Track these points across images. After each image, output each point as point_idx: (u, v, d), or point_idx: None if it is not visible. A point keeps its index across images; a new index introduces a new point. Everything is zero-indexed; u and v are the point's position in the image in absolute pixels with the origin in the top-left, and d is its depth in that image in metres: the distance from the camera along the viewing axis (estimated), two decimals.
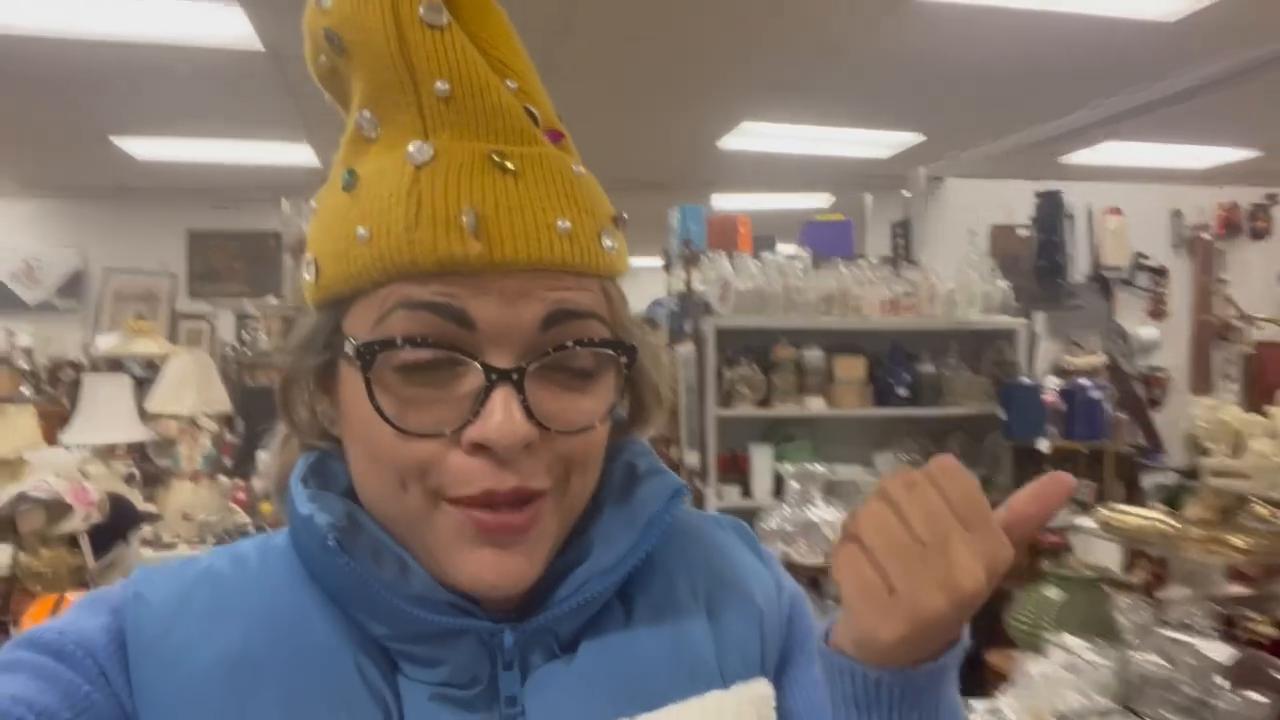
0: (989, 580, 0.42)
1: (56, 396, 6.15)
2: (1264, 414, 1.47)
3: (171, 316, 7.13)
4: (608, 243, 0.52)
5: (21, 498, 1.97)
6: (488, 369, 0.48)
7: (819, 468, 3.08)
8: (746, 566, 0.60)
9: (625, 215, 0.55)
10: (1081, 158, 5.95)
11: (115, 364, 5.16)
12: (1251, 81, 2.37)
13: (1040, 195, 2.95)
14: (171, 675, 0.49)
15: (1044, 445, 2.86)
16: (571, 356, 0.51)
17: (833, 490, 3.13)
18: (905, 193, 3.93)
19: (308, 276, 0.53)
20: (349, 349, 0.50)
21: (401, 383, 0.49)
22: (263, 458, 3.96)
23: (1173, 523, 1.38)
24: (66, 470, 2.36)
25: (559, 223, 0.50)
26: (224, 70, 4.26)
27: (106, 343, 5.65)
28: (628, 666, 0.53)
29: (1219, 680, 1.09)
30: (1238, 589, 1.47)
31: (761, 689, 0.55)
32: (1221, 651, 1.11)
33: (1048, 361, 3.54)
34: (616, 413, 0.57)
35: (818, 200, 7.23)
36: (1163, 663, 1.17)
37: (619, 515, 0.56)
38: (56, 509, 1.98)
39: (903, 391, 3.19)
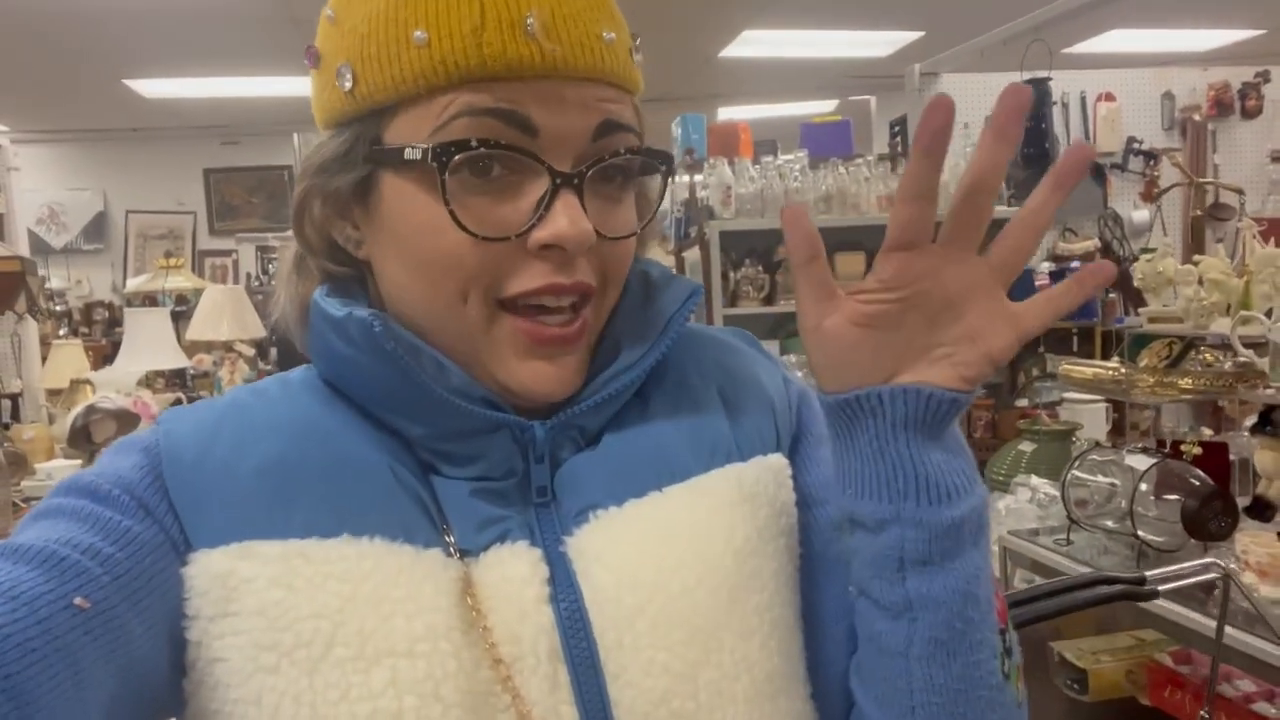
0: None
1: (91, 335, 6.42)
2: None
3: (194, 253, 7.31)
4: (637, 57, 0.54)
5: (92, 409, 2.19)
6: (553, 172, 0.50)
7: None
8: (753, 360, 0.64)
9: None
10: (1086, 47, 5.93)
11: (149, 300, 5.38)
12: None
13: (1028, 83, 3.03)
14: (214, 491, 0.50)
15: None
16: (620, 165, 0.52)
17: None
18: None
19: (343, 85, 0.51)
20: (413, 155, 0.49)
21: (462, 189, 0.49)
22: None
23: (1124, 371, 1.54)
24: (126, 387, 2.58)
25: (605, 34, 0.51)
26: (229, 5, 4.33)
27: (138, 281, 5.87)
28: (650, 448, 0.56)
29: (1144, 488, 1.27)
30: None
31: (777, 460, 0.58)
32: (1143, 463, 1.28)
33: (1044, 248, 3.66)
34: None
35: (824, 106, 7.24)
36: (1100, 480, 1.36)
37: (640, 317, 0.58)
38: (125, 419, 2.19)
39: None
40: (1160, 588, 0.93)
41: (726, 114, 6.97)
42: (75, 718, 0.42)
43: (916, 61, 4.21)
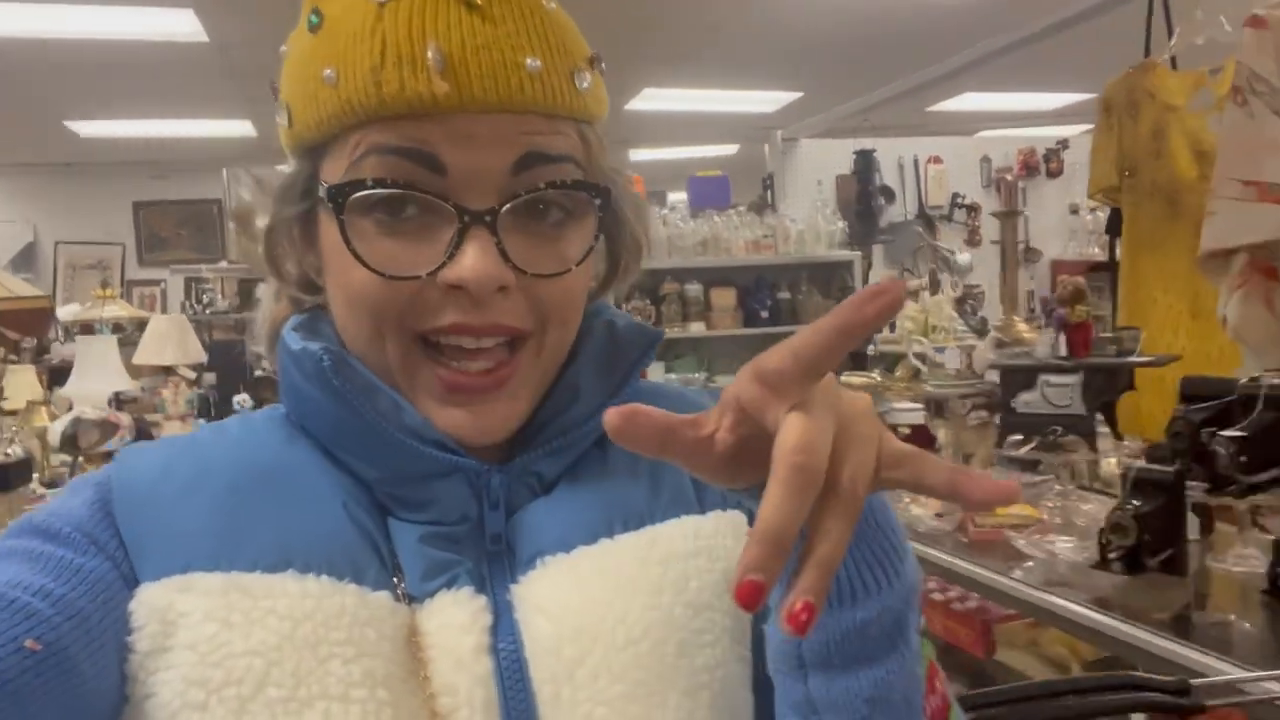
0: None
1: (19, 362, 6.63)
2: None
3: (123, 283, 7.54)
4: (582, 83, 0.51)
5: (78, 420, 2.63)
6: (460, 210, 0.48)
7: (699, 376, 3.88)
8: None
9: (601, 56, 0.54)
10: (949, 105, 6.75)
11: (86, 328, 5.69)
12: (1064, 33, 3.03)
13: (857, 153, 3.73)
14: (162, 524, 0.50)
15: (871, 349, 3.67)
16: (545, 199, 0.50)
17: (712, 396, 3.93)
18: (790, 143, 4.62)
19: (281, 123, 0.53)
20: (321, 193, 0.50)
21: (376, 230, 0.49)
22: (235, 400, 4.58)
23: (881, 379, 2.15)
24: (98, 403, 3.02)
25: (528, 61, 0.48)
26: (171, 60, 4.73)
27: (71, 310, 6.16)
28: (606, 495, 0.54)
29: None
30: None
31: (738, 516, 0.56)
32: None
33: None
34: (594, 269, 0.58)
35: (728, 149, 7.96)
36: None
37: (601, 365, 0.56)
38: (106, 427, 2.64)
39: (765, 314, 3.99)
40: (1209, 701, 0.85)
41: (638, 157, 7.62)
42: None
43: (800, 116, 4.90)
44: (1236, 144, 1.81)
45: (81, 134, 6.15)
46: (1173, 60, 2.27)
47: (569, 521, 0.53)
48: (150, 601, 0.48)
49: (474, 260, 0.48)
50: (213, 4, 3.95)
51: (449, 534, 0.52)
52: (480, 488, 0.52)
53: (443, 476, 0.52)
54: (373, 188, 0.48)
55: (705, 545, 0.54)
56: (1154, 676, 0.88)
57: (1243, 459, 1.23)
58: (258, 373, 4.91)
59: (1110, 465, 1.76)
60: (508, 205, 0.49)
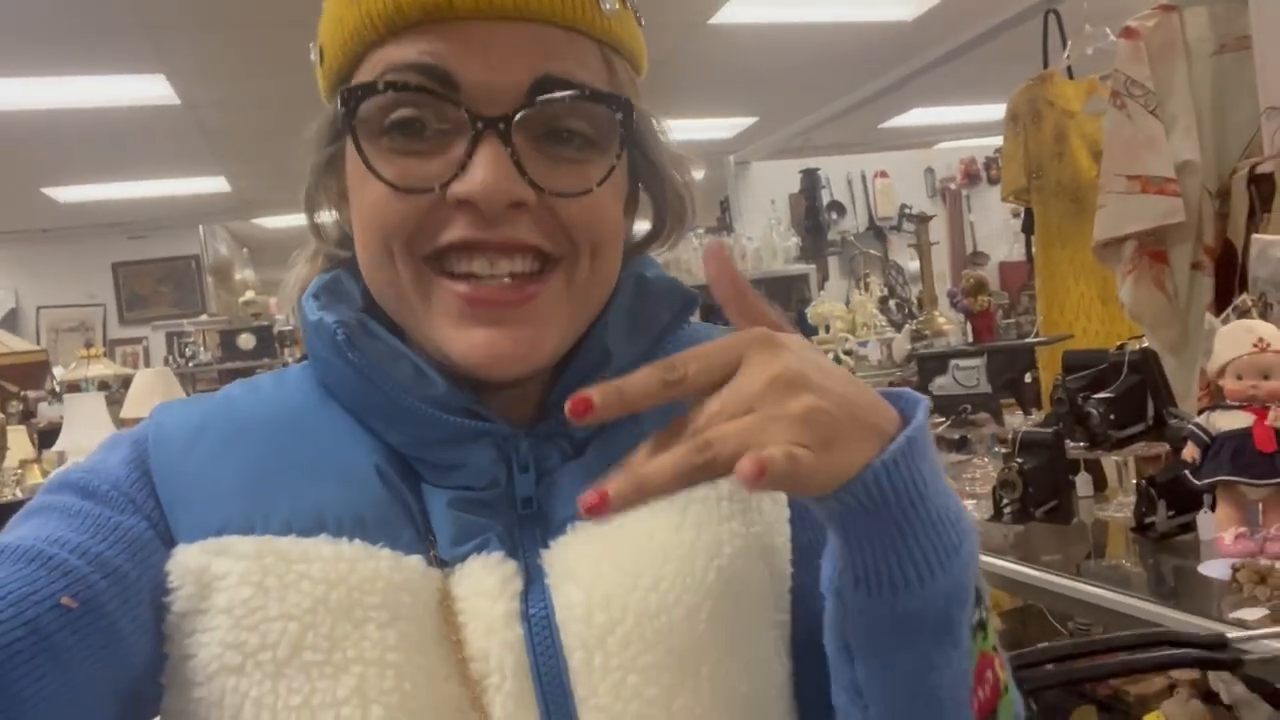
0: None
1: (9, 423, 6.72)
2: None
3: (105, 342, 7.65)
4: (607, 4, 0.50)
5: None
6: (474, 117, 0.47)
7: None
8: None
9: None
10: (897, 122, 7.01)
11: (73, 386, 5.81)
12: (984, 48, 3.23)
13: (803, 172, 3.94)
14: (197, 485, 0.50)
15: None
16: (567, 127, 0.49)
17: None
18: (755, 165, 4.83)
19: (314, 61, 0.53)
20: (334, 105, 0.49)
21: (392, 148, 0.48)
22: None
23: None
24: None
25: None
26: (144, 124, 4.89)
27: (57, 372, 6.27)
28: None
29: None
30: None
31: None
32: None
33: (843, 294, 4.56)
34: (630, 233, 0.56)
35: (695, 174, 8.18)
36: None
37: (631, 322, 0.54)
38: None
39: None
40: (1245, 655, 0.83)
41: None
42: (68, 717, 0.42)
43: (756, 139, 5.11)
44: (1119, 143, 2.01)
45: (59, 200, 6.30)
46: (1069, 70, 2.48)
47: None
48: (186, 563, 0.48)
49: (484, 172, 0.46)
50: (183, 68, 4.13)
51: (479, 498, 0.51)
52: (509, 451, 0.52)
53: (470, 441, 0.51)
54: (383, 90, 0.48)
55: (740, 507, 0.53)
56: (1189, 633, 0.86)
57: (1111, 417, 1.41)
58: None
59: None
60: (523, 112, 0.47)
